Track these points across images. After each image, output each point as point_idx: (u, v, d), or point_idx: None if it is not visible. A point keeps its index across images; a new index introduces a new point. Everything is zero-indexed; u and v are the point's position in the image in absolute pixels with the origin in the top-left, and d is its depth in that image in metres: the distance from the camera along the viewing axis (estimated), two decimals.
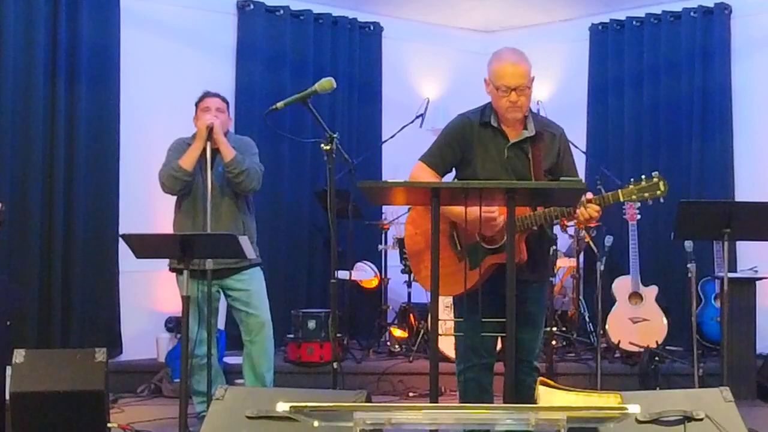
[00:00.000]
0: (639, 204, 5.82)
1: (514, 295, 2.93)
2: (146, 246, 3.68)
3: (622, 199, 3.33)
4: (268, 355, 4.41)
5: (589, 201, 3.29)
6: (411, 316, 6.23)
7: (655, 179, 3.32)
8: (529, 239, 3.38)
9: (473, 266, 3.27)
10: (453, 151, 3.48)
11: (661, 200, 3.36)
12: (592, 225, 5.87)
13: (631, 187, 3.33)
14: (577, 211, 3.26)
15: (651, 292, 5.78)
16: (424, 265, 3.47)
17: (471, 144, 3.45)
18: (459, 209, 3.22)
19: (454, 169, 3.56)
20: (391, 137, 6.43)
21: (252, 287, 4.37)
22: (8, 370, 3.94)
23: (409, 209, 6.06)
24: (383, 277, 6.49)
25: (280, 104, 3.48)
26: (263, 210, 5.77)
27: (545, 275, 3.63)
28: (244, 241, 3.60)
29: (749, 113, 6.31)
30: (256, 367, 4.37)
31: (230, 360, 5.44)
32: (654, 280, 5.93)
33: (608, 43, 6.85)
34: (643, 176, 3.34)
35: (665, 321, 5.69)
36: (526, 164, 3.41)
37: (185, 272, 3.58)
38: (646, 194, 3.32)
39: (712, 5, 6.37)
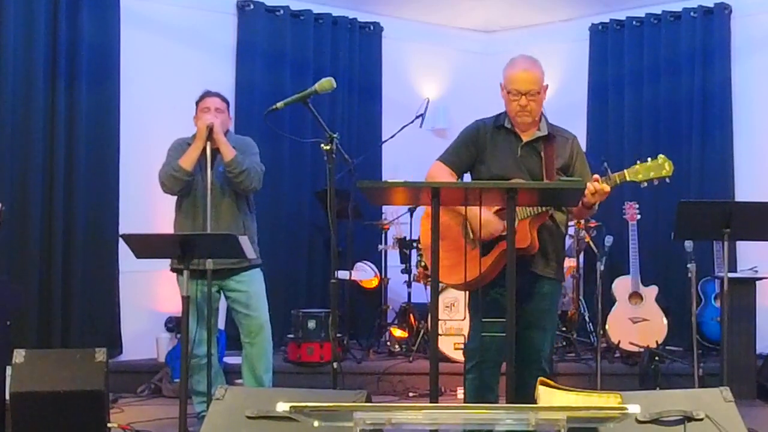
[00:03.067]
0: (639, 204, 5.85)
1: (514, 294, 2.95)
2: (146, 246, 3.67)
3: (628, 179, 3.35)
4: (267, 357, 4.41)
5: (596, 181, 3.33)
6: (411, 316, 6.23)
7: (660, 160, 3.35)
8: (542, 233, 3.40)
9: (485, 253, 3.31)
10: (468, 151, 3.57)
11: (667, 180, 3.37)
12: (592, 225, 5.89)
13: (637, 166, 3.36)
14: (587, 186, 3.27)
15: (651, 292, 5.78)
16: (440, 256, 3.49)
17: (484, 145, 3.55)
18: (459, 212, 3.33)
19: (469, 171, 3.63)
20: (391, 137, 6.42)
21: (251, 289, 4.37)
22: (8, 370, 3.94)
23: (411, 208, 6.10)
24: (383, 277, 6.49)
25: (280, 104, 3.49)
26: (263, 210, 5.76)
27: (559, 273, 3.62)
28: (244, 241, 3.60)
29: (749, 113, 6.31)
30: (254, 368, 4.36)
31: (230, 360, 5.43)
32: (654, 280, 5.93)
33: (608, 43, 6.85)
34: (648, 158, 3.36)
35: (665, 321, 5.69)
36: (538, 163, 3.48)
37: (185, 272, 3.58)
38: (652, 173, 3.34)
39: (712, 5, 6.37)
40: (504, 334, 3.26)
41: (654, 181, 3.37)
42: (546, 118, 3.60)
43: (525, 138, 3.52)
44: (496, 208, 3.35)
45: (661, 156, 3.37)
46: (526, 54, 3.58)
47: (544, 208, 3.35)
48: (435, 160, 3.62)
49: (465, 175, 3.68)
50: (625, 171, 3.37)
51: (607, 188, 3.31)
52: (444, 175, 3.50)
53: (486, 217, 3.30)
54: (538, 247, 3.39)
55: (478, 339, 3.48)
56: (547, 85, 3.52)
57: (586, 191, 3.27)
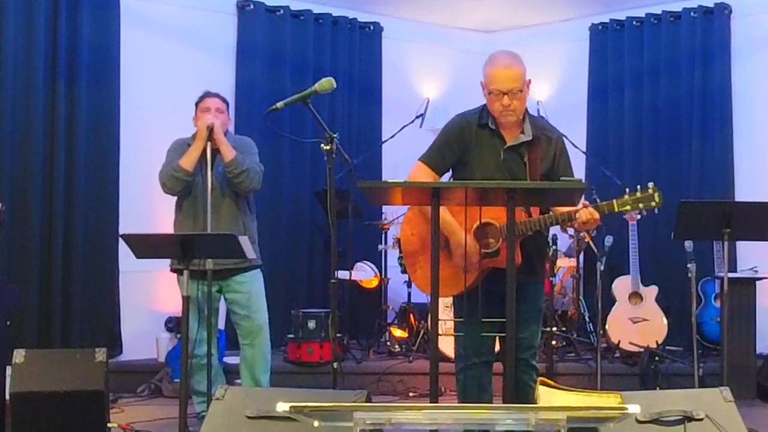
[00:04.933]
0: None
1: (514, 298, 2.93)
2: (146, 246, 3.67)
3: (616, 209, 3.33)
4: (265, 358, 4.41)
5: (585, 207, 3.30)
6: (411, 316, 6.23)
7: (650, 190, 3.33)
8: (524, 242, 3.38)
9: (467, 269, 3.28)
10: (452, 151, 3.49)
11: (656, 211, 3.37)
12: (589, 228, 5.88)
13: (626, 197, 3.34)
14: (577, 214, 3.26)
15: (651, 292, 5.78)
16: (419, 266, 3.50)
17: (469, 145, 3.46)
18: (446, 224, 3.28)
19: (451, 169, 3.56)
20: (391, 137, 6.43)
21: (252, 290, 4.37)
22: (8, 370, 3.94)
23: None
24: (383, 277, 6.49)
25: (280, 104, 3.48)
26: (263, 210, 5.76)
27: (541, 276, 3.62)
28: (244, 241, 3.60)
29: (749, 113, 6.31)
30: (253, 370, 4.37)
31: (230, 360, 5.43)
32: (654, 280, 5.92)
33: (608, 43, 6.85)
34: (638, 186, 3.35)
35: (665, 321, 5.69)
36: (522, 167, 3.42)
37: (185, 272, 3.58)
38: (641, 205, 3.33)
39: (712, 5, 6.37)
40: (492, 334, 3.28)
41: (643, 212, 3.37)
42: (530, 114, 3.50)
43: (509, 140, 3.42)
44: (475, 226, 3.32)
45: (651, 186, 3.34)
46: (505, 49, 3.46)
47: (530, 232, 3.33)
48: (417, 160, 3.53)
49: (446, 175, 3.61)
50: (615, 201, 3.34)
51: (597, 216, 3.29)
52: (425, 177, 3.43)
53: (463, 249, 3.28)
54: (522, 260, 3.34)
55: (464, 341, 3.47)
56: (530, 80, 3.38)
57: (578, 219, 3.26)
